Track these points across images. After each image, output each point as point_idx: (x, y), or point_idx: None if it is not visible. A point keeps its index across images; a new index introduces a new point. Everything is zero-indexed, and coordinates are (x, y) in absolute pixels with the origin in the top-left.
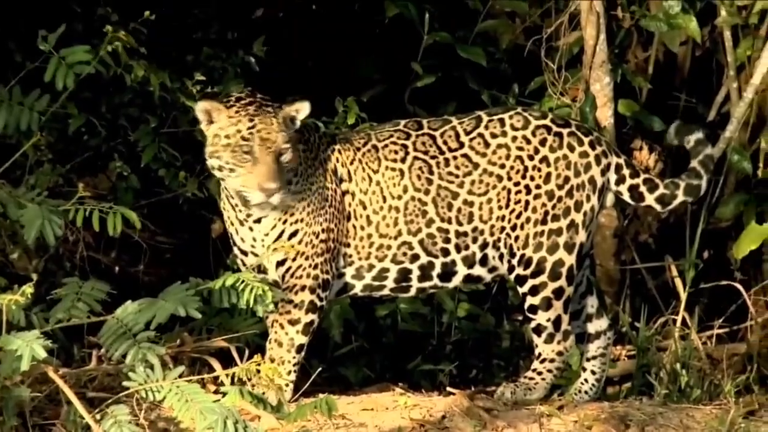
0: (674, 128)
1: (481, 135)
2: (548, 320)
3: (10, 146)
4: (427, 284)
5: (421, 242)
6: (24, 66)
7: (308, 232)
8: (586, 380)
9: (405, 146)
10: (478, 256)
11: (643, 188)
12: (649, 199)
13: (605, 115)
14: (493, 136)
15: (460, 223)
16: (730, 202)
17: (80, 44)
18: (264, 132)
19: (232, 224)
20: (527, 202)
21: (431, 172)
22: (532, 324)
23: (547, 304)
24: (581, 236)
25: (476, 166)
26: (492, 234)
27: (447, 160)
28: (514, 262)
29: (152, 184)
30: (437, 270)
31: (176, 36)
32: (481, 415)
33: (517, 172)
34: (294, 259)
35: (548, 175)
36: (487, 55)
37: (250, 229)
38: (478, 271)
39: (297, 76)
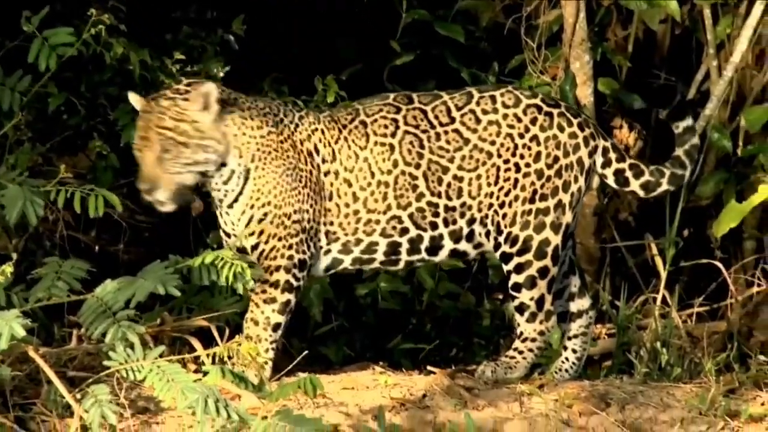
0: (672, 108)
1: (472, 111)
2: (531, 299)
3: None
4: (415, 257)
5: (410, 216)
6: (2, 45)
7: (278, 214)
8: (566, 359)
9: (395, 120)
10: (465, 231)
11: (628, 173)
12: (634, 185)
13: (585, 94)
14: (485, 112)
15: (449, 198)
16: (710, 180)
17: (59, 22)
18: (142, 131)
19: (216, 207)
20: (516, 180)
21: (422, 146)
22: (515, 302)
23: (531, 283)
24: (568, 217)
25: (467, 141)
26: (480, 210)
27: (438, 135)
28: (501, 239)
29: (132, 163)
30: (425, 243)
31: (156, 14)
32: (461, 393)
33: (507, 149)
34: (267, 242)
35: (538, 154)
36: (466, 33)
37: (227, 213)
38: (463, 246)
39: (276, 54)
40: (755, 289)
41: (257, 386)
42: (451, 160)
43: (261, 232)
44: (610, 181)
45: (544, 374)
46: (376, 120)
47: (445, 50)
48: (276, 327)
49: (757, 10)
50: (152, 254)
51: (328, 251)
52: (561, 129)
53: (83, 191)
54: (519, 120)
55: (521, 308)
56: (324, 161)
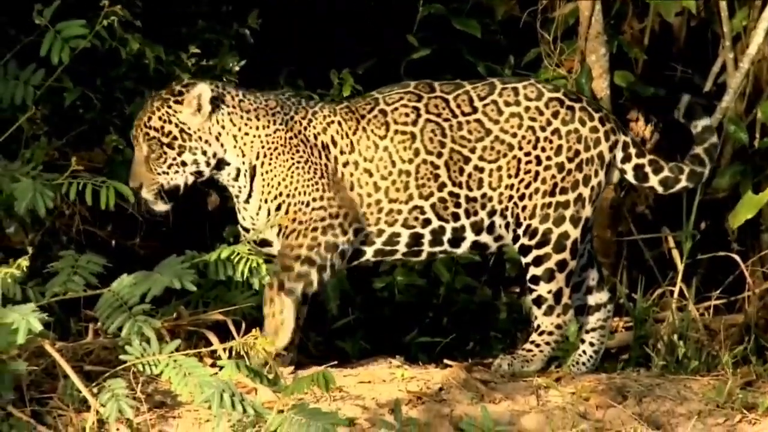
0: (684, 105)
1: (494, 102)
2: (549, 292)
3: (5, 120)
4: (437, 249)
5: (432, 206)
6: (19, 40)
7: (291, 203)
8: (584, 352)
9: (417, 108)
10: (486, 222)
11: (648, 169)
12: (653, 181)
13: (601, 87)
14: (507, 104)
15: (470, 189)
16: (726, 172)
17: (74, 17)
18: (134, 128)
19: (235, 202)
20: (537, 173)
21: (444, 135)
22: (533, 295)
23: (549, 276)
24: (587, 210)
25: (488, 132)
26: (500, 202)
27: (460, 124)
28: (520, 231)
29: None
30: (448, 235)
31: (171, 9)
32: (478, 387)
33: (529, 142)
34: (287, 227)
35: (559, 147)
36: (482, 27)
37: (244, 208)
38: (485, 238)
39: (292, 48)
40: None
41: (273, 380)
42: (473, 150)
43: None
44: (630, 176)
45: (561, 367)
46: (396, 108)
47: (461, 44)
48: (289, 292)
49: None
50: (168, 249)
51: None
52: (582, 123)
53: (95, 183)
54: (541, 113)
55: (539, 301)
56: (342, 153)
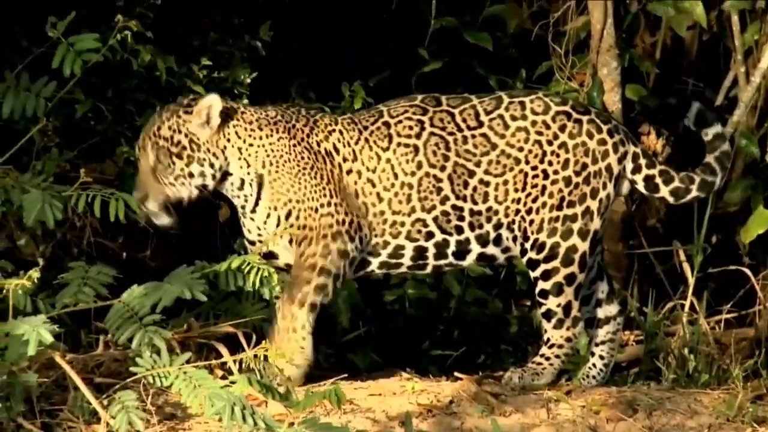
0: (694, 113)
1: (501, 116)
2: (558, 306)
3: (16, 132)
4: (443, 262)
5: (435, 219)
6: (31, 52)
7: (302, 209)
8: (594, 365)
9: (421, 122)
10: (492, 235)
11: (658, 180)
12: (664, 191)
13: (613, 100)
14: (513, 118)
15: (475, 202)
16: (738, 186)
17: (86, 29)
18: (141, 139)
19: (240, 215)
20: (544, 187)
21: (448, 149)
22: (542, 309)
23: (558, 290)
24: (596, 223)
25: (494, 146)
26: (507, 215)
27: (465, 138)
28: (527, 245)
29: None
30: (452, 248)
31: (183, 21)
32: (488, 400)
33: (536, 156)
34: (300, 244)
35: (566, 161)
36: (494, 40)
37: (251, 219)
38: (491, 250)
39: (303, 60)
40: None
41: (284, 395)
42: (478, 164)
43: (291, 227)
44: (640, 186)
45: (572, 380)
46: (400, 121)
47: (472, 57)
48: (312, 307)
49: None
50: (179, 260)
51: (362, 251)
52: (590, 136)
53: (104, 195)
54: (548, 127)
55: (548, 315)
56: (345, 160)
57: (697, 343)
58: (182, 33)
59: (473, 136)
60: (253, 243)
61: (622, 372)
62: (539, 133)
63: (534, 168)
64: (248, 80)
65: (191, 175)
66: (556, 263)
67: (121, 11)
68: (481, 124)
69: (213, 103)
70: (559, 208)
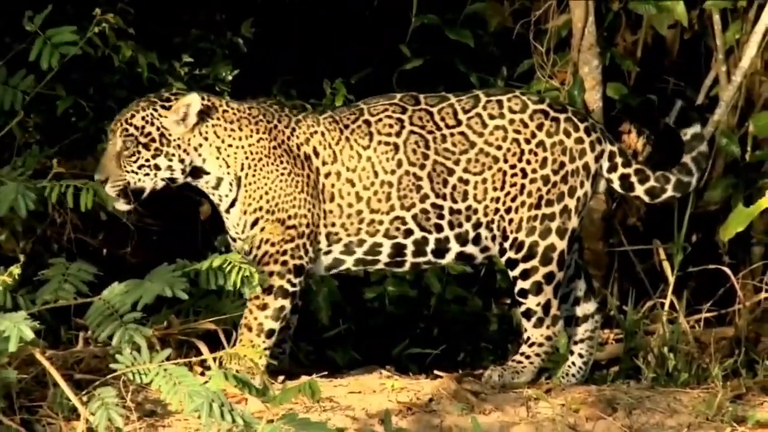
0: (676, 111)
1: (479, 115)
2: (538, 305)
3: None
4: (421, 259)
5: (414, 217)
6: (11, 47)
7: (270, 220)
8: (573, 363)
9: (401, 120)
10: (471, 234)
11: (634, 178)
12: (639, 190)
13: (594, 98)
14: (491, 117)
15: (454, 201)
16: (718, 185)
17: (67, 24)
18: (113, 123)
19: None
20: (522, 186)
21: (427, 147)
22: (522, 308)
23: (537, 289)
24: (574, 222)
25: (473, 145)
26: (486, 215)
27: (444, 137)
28: (506, 245)
29: None
30: (431, 246)
31: (164, 17)
32: (468, 398)
33: (514, 154)
34: (259, 247)
35: (544, 159)
36: (475, 38)
37: (226, 218)
38: (470, 249)
39: (285, 58)
40: (763, 294)
41: (261, 390)
42: (457, 162)
43: (255, 237)
44: (616, 185)
45: (551, 379)
46: (380, 119)
47: (454, 55)
48: (270, 333)
49: (767, 15)
50: (160, 258)
51: (328, 252)
52: (567, 134)
53: (77, 186)
54: (525, 126)
55: (528, 314)
56: (324, 163)
57: (677, 341)
58: (164, 29)
59: (452, 135)
60: (233, 239)
61: (602, 370)
62: (517, 132)
63: (512, 167)
64: (230, 77)
65: (157, 167)
66: (534, 262)
67: (103, 7)
68: (459, 123)
69: (192, 102)
70: (538, 206)
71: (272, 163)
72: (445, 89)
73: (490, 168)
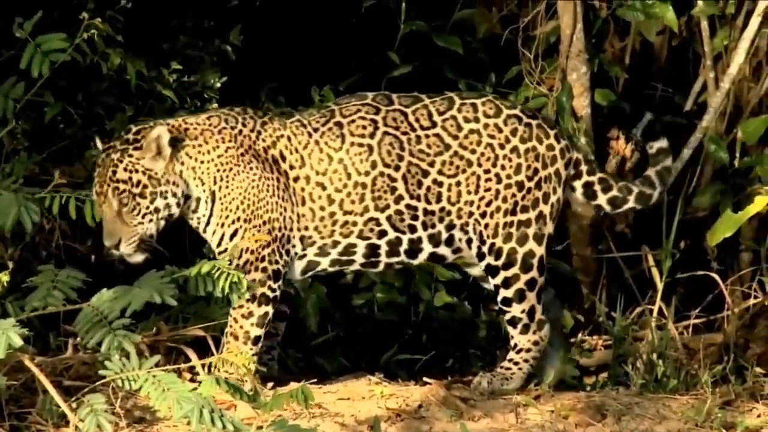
0: (644, 124)
1: (453, 117)
2: (523, 312)
3: None
4: (394, 259)
5: (389, 218)
6: (1, 54)
7: (248, 228)
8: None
9: (374, 121)
10: (444, 236)
11: (597, 187)
12: (601, 199)
13: (582, 105)
14: (466, 120)
15: (428, 202)
16: (707, 191)
17: (58, 32)
18: (98, 185)
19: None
20: (498, 191)
21: (402, 148)
22: (507, 316)
23: (520, 296)
24: (549, 227)
25: (447, 147)
26: (459, 217)
27: (418, 138)
28: (485, 249)
29: None
30: (404, 246)
31: (153, 24)
32: (457, 404)
33: (488, 159)
34: (240, 257)
35: (518, 165)
36: (463, 44)
37: (205, 236)
38: (443, 250)
39: (273, 64)
40: (752, 301)
41: (252, 396)
42: (432, 164)
43: (235, 247)
44: (578, 193)
45: (540, 385)
46: (353, 120)
47: (442, 61)
48: (256, 340)
49: (755, 22)
50: (148, 264)
51: (303, 256)
52: (539, 141)
53: (78, 198)
54: (500, 130)
55: (513, 321)
56: (292, 168)
57: (666, 348)
58: (152, 36)
59: (426, 136)
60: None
61: (591, 377)
62: (491, 137)
63: (487, 171)
64: (218, 84)
65: (157, 210)
66: (515, 270)
67: (92, 14)
68: (434, 125)
69: (160, 134)
70: (513, 212)
71: (243, 171)
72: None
73: (464, 171)
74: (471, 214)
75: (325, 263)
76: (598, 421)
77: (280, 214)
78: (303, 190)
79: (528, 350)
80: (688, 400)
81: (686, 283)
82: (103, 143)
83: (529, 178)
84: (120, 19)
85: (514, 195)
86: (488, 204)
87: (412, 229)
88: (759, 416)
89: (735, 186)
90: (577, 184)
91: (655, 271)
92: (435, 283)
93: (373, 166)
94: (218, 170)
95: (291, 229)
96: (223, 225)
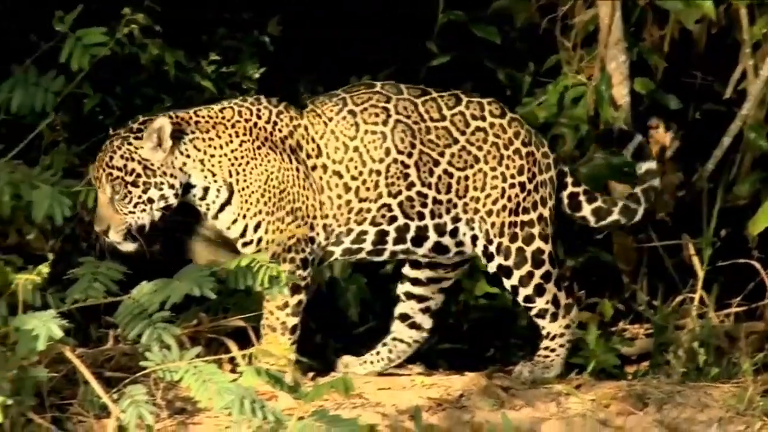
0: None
1: (461, 113)
2: (547, 302)
3: (25, 127)
4: (399, 247)
5: (400, 204)
6: (39, 47)
7: (271, 221)
8: (378, 353)
9: (386, 109)
10: (449, 227)
11: (582, 198)
12: (585, 210)
13: (621, 94)
14: (473, 117)
15: (438, 191)
16: (746, 180)
17: (94, 23)
18: (95, 170)
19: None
20: (503, 190)
21: (414, 137)
22: (533, 311)
23: (539, 291)
24: (550, 229)
25: (456, 140)
26: (465, 212)
27: (428, 129)
28: (492, 249)
29: None
30: (411, 233)
31: (191, 15)
32: (498, 394)
33: (494, 158)
34: (267, 249)
35: (521, 167)
36: (502, 34)
37: (215, 223)
38: (446, 241)
39: (312, 55)
40: None
41: (292, 387)
42: (441, 154)
43: (260, 241)
44: (564, 204)
45: (582, 374)
46: (366, 109)
47: (480, 51)
48: (293, 330)
49: None
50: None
51: (325, 245)
52: (537, 147)
53: None
54: (504, 131)
55: (540, 314)
56: (309, 157)
57: (707, 336)
58: (190, 28)
59: (436, 128)
60: (208, 239)
61: (632, 365)
62: (497, 136)
63: (493, 169)
64: (256, 75)
65: (150, 200)
66: (528, 267)
67: (129, 5)
68: (443, 118)
69: (163, 125)
70: (516, 213)
71: (260, 165)
72: (472, 86)
73: (471, 166)
74: (477, 210)
75: (338, 252)
76: (640, 409)
77: (303, 203)
78: (321, 178)
79: (562, 335)
80: (729, 388)
81: (727, 272)
82: (114, 130)
83: (530, 181)
84: (158, 9)
85: (517, 195)
86: (494, 202)
87: (420, 216)
88: None
89: None
90: (563, 195)
91: (695, 260)
92: (476, 273)
93: (387, 152)
94: (232, 164)
95: (315, 217)
96: (245, 216)
